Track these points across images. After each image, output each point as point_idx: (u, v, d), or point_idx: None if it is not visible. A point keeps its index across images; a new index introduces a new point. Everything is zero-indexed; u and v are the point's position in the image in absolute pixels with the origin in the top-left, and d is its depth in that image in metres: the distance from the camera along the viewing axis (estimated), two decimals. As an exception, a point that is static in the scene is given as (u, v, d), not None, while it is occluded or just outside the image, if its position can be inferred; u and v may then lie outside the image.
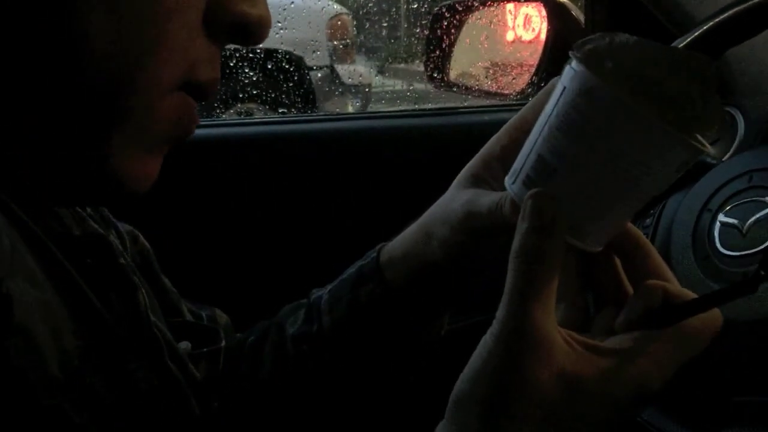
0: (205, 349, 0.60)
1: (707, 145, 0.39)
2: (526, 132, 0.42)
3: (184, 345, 0.57)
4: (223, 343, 0.62)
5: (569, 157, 0.38)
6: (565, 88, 0.39)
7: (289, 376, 0.59)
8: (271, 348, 0.60)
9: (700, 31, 0.74)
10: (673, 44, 0.76)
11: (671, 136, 0.37)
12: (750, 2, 0.70)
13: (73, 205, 0.48)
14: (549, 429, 0.37)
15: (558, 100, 0.39)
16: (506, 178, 0.44)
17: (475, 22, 1.32)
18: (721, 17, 0.72)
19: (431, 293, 0.55)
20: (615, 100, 0.36)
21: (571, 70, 0.39)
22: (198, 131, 1.26)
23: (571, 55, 0.39)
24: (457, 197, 0.51)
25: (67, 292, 0.42)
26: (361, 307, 0.57)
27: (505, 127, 0.52)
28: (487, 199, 0.48)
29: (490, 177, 0.51)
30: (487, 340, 0.38)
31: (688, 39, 0.75)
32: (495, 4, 1.34)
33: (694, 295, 0.41)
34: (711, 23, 0.73)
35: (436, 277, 0.54)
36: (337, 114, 2.44)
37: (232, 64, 2.20)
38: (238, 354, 0.62)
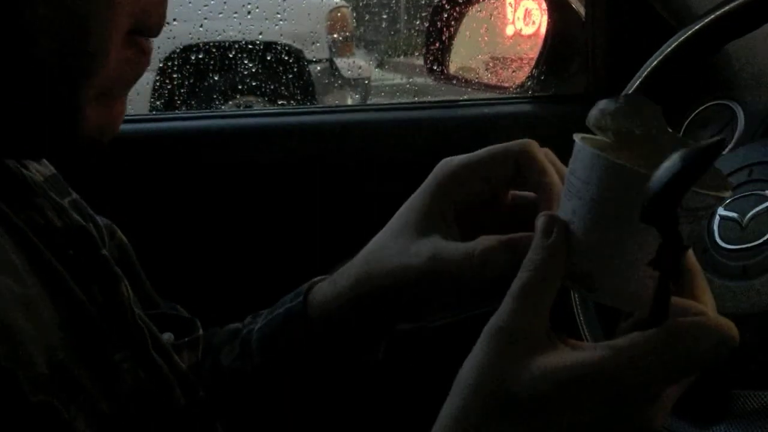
0: (186, 339, 0.60)
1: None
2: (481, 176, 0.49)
3: (167, 336, 0.57)
4: (201, 332, 0.62)
5: (569, 213, 0.43)
6: (571, 168, 0.43)
7: (227, 396, 0.60)
8: (208, 372, 0.61)
9: (700, 25, 0.74)
10: (674, 37, 0.76)
11: (632, 172, 0.39)
12: (750, -4, 0.70)
13: (40, 157, 0.50)
14: (531, 422, 0.39)
15: (568, 175, 0.44)
16: None
17: (475, 14, 1.32)
18: (722, 11, 0.72)
19: (366, 331, 0.57)
20: (590, 153, 0.41)
21: (576, 147, 0.43)
22: (197, 123, 1.26)
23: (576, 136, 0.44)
24: (412, 248, 0.50)
25: (50, 284, 0.42)
26: (287, 349, 0.58)
27: (462, 166, 0.51)
28: (455, 251, 0.48)
29: (441, 219, 0.51)
30: (483, 333, 0.41)
31: (688, 33, 0.75)
32: (495, -3, 1.34)
33: (711, 315, 0.41)
34: (711, 17, 0.73)
35: (373, 317, 0.55)
36: (336, 106, 2.44)
37: (231, 56, 2.20)
38: None
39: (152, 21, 0.44)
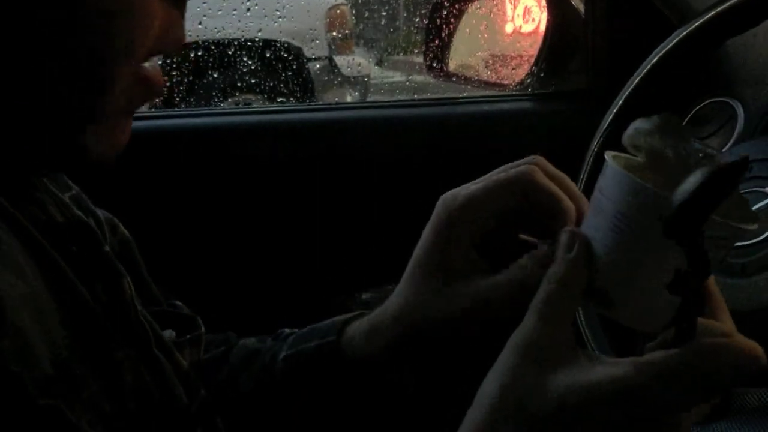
0: (188, 336, 0.59)
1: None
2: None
3: (169, 333, 0.57)
4: (203, 329, 0.62)
5: (591, 229, 0.44)
6: (599, 189, 0.44)
7: (241, 418, 0.60)
8: (225, 385, 0.61)
9: (700, 22, 0.74)
10: (674, 34, 0.76)
11: (655, 193, 0.40)
12: (751, -8, 0.69)
13: (41, 173, 0.49)
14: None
15: (595, 203, 0.45)
16: None
17: (475, 11, 1.32)
18: (722, 7, 0.72)
19: (400, 372, 0.56)
20: (616, 172, 0.42)
21: (606, 168, 0.44)
22: (197, 120, 1.26)
23: (607, 155, 0.44)
24: (449, 292, 0.50)
25: (53, 280, 0.42)
26: (316, 385, 0.57)
27: (467, 206, 0.51)
28: (495, 287, 0.49)
29: (463, 254, 0.51)
30: (508, 344, 0.41)
31: (689, 29, 0.75)
32: (494, -6, 1.33)
33: (737, 337, 0.40)
34: (711, 13, 0.73)
35: (397, 365, 0.55)
36: (336, 103, 2.44)
37: (230, 53, 2.19)
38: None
39: (170, 40, 0.43)
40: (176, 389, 0.50)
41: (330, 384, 0.57)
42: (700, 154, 0.42)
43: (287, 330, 0.62)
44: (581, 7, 1.17)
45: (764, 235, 0.68)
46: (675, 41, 0.76)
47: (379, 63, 3.87)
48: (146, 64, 0.42)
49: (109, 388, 0.43)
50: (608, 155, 0.44)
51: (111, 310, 0.46)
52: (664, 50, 0.76)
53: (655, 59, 0.77)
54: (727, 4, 0.71)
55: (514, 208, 0.50)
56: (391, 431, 0.59)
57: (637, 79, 0.78)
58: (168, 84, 2.19)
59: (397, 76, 3.84)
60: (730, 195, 0.37)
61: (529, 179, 0.49)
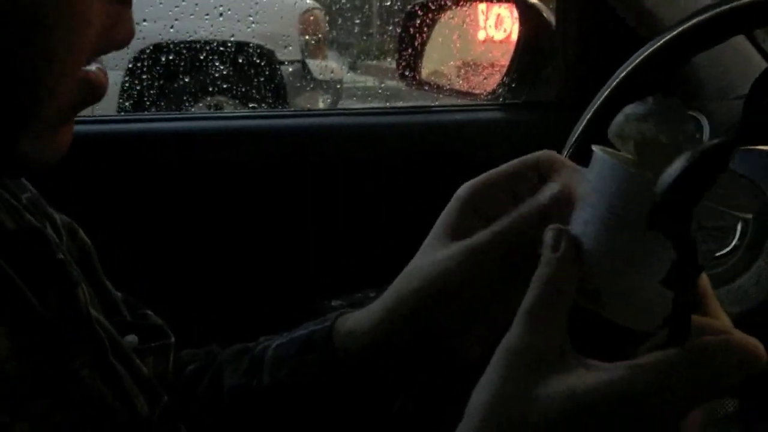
0: (153, 344, 0.58)
1: None
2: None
3: (131, 338, 0.55)
4: (173, 339, 0.61)
5: (580, 224, 0.41)
6: (589, 180, 0.42)
7: (223, 419, 0.57)
8: (206, 390, 0.59)
9: (668, 37, 0.75)
10: (644, 48, 0.77)
11: (643, 179, 0.37)
12: (717, 10, 0.71)
13: None
14: None
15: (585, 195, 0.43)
16: None
17: (448, 21, 1.32)
18: (690, 23, 0.73)
19: (387, 374, 0.54)
20: (602, 160, 0.40)
21: (595, 158, 0.42)
22: (165, 125, 1.25)
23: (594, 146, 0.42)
24: (446, 252, 0.49)
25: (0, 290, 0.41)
26: (304, 374, 0.55)
27: (485, 183, 0.51)
28: (485, 236, 0.48)
29: (471, 229, 0.50)
30: (496, 354, 0.39)
31: (658, 44, 0.76)
32: (467, 4, 1.34)
33: (736, 334, 0.39)
34: (680, 29, 0.74)
35: (397, 359, 0.53)
36: (308, 110, 2.43)
37: (202, 57, 2.18)
38: (175, 376, 0.60)
39: (118, 37, 0.41)
40: (136, 398, 0.49)
41: (319, 375, 0.54)
42: (696, 135, 0.39)
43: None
44: (552, 20, 1.18)
45: (735, 241, 0.69)
46: (644, 55, 0.77)
47: (353, 68, 3.88)
48: (90, 67, 0.41)
49: (62, 399, 0.42)
50: (596, 148, 0.41)
51: (64, 319, 0.45)
52: (633, 64, 0.78)
53: (625, 72, 0.78)
54: (695, 20, 0.72)
55: (528, 189, 0.49)
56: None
57: (607, 91, 0.79)
58: (138, 87, 2.17)
59: (370, 81, 3.85)
60: (719, 180, 0.34)
61: (550, 158, 0.49)
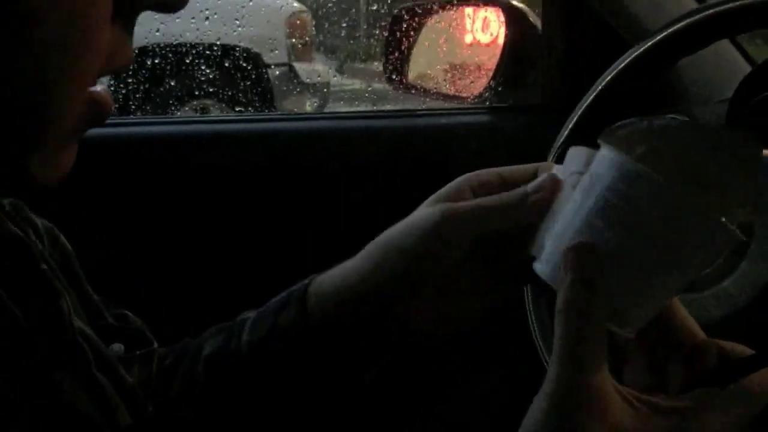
0: (137, 353, 0.57)
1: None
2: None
3: (117, 347, 0.55)
4: (156, 345, 0.60)
5: (612, 246, 0.37)
6: (594, 175, 0.39)
7: (198, 399, 0.57)
8: (184, 369, 0.58)
9: (653, 41, 0.76)
10: (628, 53, 0.77)
11: (721, 225, 0.36)
12: (701, 15, 0.71)
13: None
14: None
15: (590, 188, 0.39)
16: (535, 264, 0.42)
17: (434, 25, 1.33)
18: (674, 28, 0.74)
19: (360, 335, 0.53)
20: (662, 188, 0.36)
21: (605, 157, 0.38)
22: (153, 128, 1.24)
23: (602, 141, 0.39)
24: (426, 209, 0.50)
25: None
26: (280, 333, 0.54)
27: (483, 171, 0.52)
28: (501, 194, 0.48)
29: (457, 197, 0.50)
30: (540, 400, 0.37)
31: (642, 48, 0.77)
32: (454, 8, 1.35)
33: (749, 351, 0.40)
34: (664, 34, 0.75)
35: (370, 318, 0.52)
36: (295, 114, 2.43)
37: (188, 60, 2.17)
38: (154, 371, 0.60)
39: (119, 62, 0.40)
40: (118, 409, 0.48)
41: (295, 335, 0.54)
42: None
43: None
44: (539, 24, 1.19)
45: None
46: (629, 60, 0.77)
47: (340, 71, 3.88)
48: (95, 88, 0.41)
49: (43, 410, 0.41)
50: (605, 146, 0.39)
51: (46, 331, 0.45)
52: (618, 68, 0.78)
53: (610, 76, 0.79)
54: (679, 25, 0.73)
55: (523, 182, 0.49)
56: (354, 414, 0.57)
57: (592, 95, 0.80)
58: (123, 90, 2.16)
59: (357, 84, 3.85)
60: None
61: (546, 168, 0.49)
